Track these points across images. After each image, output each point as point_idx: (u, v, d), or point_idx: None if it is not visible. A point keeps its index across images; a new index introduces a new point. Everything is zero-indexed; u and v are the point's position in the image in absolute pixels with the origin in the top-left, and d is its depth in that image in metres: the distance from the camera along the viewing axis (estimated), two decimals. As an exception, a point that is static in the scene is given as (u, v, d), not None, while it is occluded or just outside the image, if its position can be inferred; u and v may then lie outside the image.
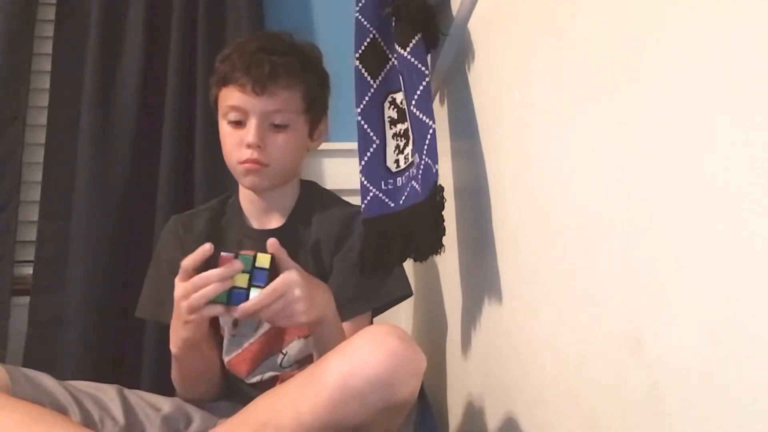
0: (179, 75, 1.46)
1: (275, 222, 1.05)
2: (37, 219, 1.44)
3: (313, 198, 1.07)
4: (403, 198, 0.97)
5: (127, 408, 0.91)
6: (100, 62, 1.46)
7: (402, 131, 1.02)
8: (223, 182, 1.32)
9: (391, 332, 0.74)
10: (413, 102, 0.94)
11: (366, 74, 1.05)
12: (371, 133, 1.03)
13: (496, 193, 0.86)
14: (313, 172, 1.46)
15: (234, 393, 1.02)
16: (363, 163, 1.02)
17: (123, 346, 1.38)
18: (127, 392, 0.94)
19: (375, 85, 1.05)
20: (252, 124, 0.96)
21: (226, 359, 1.02)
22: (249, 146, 0.96)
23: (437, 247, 0.91)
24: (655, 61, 0.45)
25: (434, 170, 0.88)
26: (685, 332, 0.41)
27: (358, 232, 0.99)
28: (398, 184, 1.00)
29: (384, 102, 1.05)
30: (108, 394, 0.92)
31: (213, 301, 0.78)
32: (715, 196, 0.38)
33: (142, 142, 1.45)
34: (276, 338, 1.00)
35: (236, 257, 0.79)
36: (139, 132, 1.45)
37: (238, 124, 0.98)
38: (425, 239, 0.91)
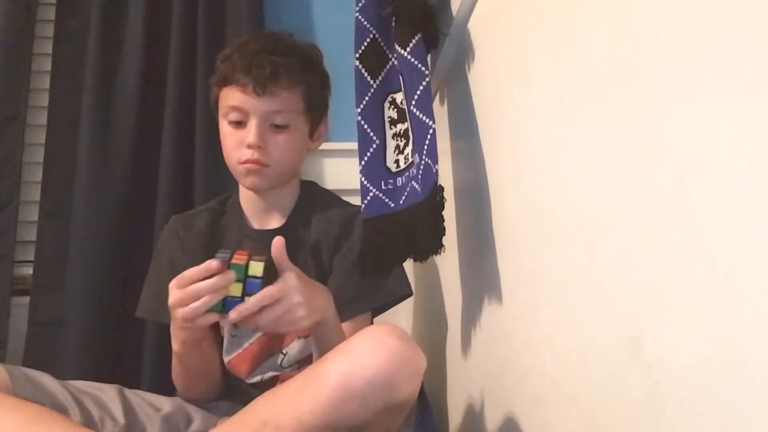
0: (179, 75, 1.46)
1: (275, 222, 1.05)
2: (37, 219, 1.44)
3: (313, 198, 1.07)
4: (403, 198, 0.97)
5: (128, 408, 0.91)
6: (100, 62, 1.46)
7: (402, 131, 1.02)
8: (223, 182, 1.32)
9: (391, 332, 0.74)
10: (413, 102, 0.94)
11: (366, 74, 1.05)
12: (371, 133, 1.03)
13: (496, 193, 0.86)
14: (313, 172, 1.46)
15: (234, 393, 1.02)
16: (363, 163, 1.02)
17: (123, 346, 1.38)
18: (128, 392, 0.94)
19: (375, 85, 1.05)
20: (252, 124, 0.96)
21: (226, 359, 1.02)
22: (249, 146, 0.96)
23: (437, 247, 0.91)
24: (655, 61, 0.45)
25: (434, 170, 0.88)
26: (685, 332, 0.41)
27: (357, 232, 0.99)
28: (398, 184, 1.00)
29: (384, 102, 1.05)
30: (108, 394, 0.92)
31: (208, 310, 0.78)
32: (715, 196, 0.38)
33: (142, 142, 1.45)
34: (276, 338, 1.01)
35: (229, 265, 0.78)
36: (139, 132, 1.45)
37: (239, 124, 0.98)
38: (425, 239, 0.91)
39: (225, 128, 1.00)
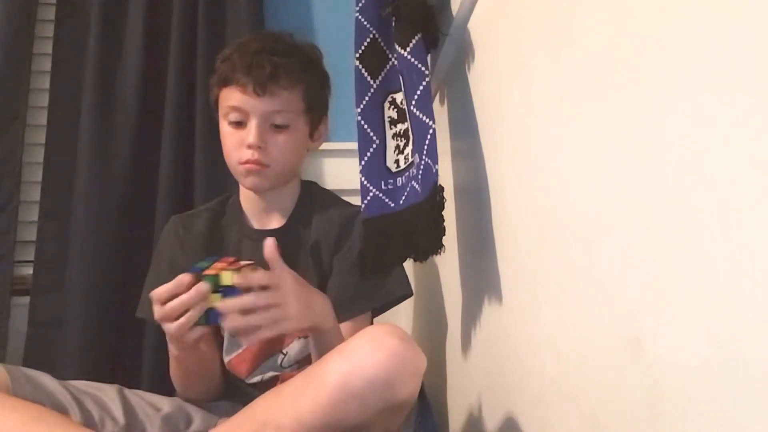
0: (179, 75, 1.46)
1: (275, 222, 1.05)
2: (37, 219, 1.44)
3: (313, 198, 1.07)
4: (403, 198, 0.97)
5: (128, 408, 0.91)
6: (100, 62, 1.46)
7: (402, 131, 1.02)
8: (223, 182, 1.32)
9: (392, 332, 0.74)
10: (413, 102, 0.94)
11: (366, 74, 1.05)
12: (371, 133, 1.03)
13: (496, 193, 0.86)
14: (313, 172, 1.46)
15: (234, 393, 1.02)
16: (363, 163, 1.02)
17: (123, 346, 1.38)
18: (128, 392, 0.94)
19: (375, 85, 1.05)
20: (253, 124, 0.96)
21: (226, 359, 1.02)
22: (250, 147, 0.96)
23: (437, 247, 0.90)
24: (655, 61, 0.45)
25: (434, 170, 0.88)
26: (685, 332, 0.41)
27: (358, 232, 0.99)
28: (398, 184, 1.00)
29: (384, 102, 1.05)
30: (108, 394, 0.92)
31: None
32: (715, 196, 0.38)
33: (142, 142, 1.45)
34: (276, 338, 1.00)
35: (202, 277, 0.78)
36: (139, 132, 1.45)
37: (239, 124, 0.98)
38: (425, 239, 0.91)
39: (225, 128, 1.00)
